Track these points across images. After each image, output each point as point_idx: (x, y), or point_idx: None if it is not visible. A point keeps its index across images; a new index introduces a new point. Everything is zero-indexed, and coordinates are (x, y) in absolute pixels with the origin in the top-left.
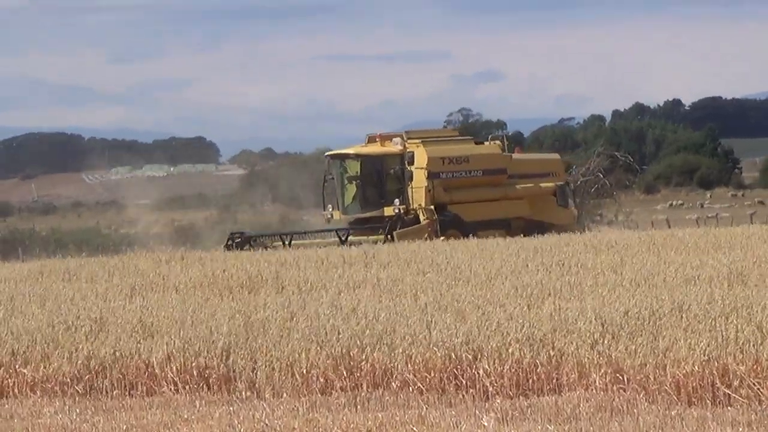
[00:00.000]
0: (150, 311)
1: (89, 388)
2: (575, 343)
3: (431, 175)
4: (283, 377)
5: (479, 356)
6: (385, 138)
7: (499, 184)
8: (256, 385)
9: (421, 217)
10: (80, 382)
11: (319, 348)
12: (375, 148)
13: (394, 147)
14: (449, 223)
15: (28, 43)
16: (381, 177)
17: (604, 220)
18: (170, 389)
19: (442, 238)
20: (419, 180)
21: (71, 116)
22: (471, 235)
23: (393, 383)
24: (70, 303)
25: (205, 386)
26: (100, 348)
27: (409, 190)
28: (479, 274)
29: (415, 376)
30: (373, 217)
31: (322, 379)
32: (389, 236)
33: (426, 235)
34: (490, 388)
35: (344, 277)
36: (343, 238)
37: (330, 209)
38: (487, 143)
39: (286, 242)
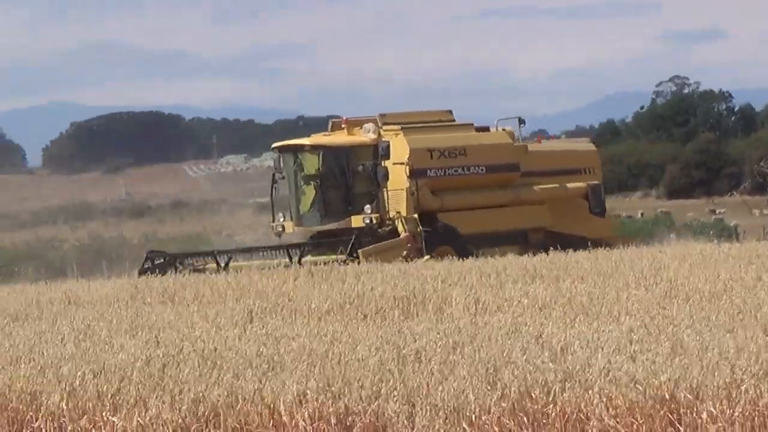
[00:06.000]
0: (274, 342)
1: None
2: None
3: (415, 173)
4: (448, 426)
5: (701, 396)
6: (354, 124)
7: (510, 184)
8: None
9: (401, 229)
10: None
11: (489, 387)
12: (339, 138)
13: (364, 136)
14: (439, 237)
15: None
16: (347, 176)
17: None
18: None
19: (426, 257)
20: (398, 180)
21: (168, 91)
22: (471, 254)
23: None
24: (172, 332)
25: None
26: (212, 389)
27: (385, 194)
28: (700, 290)
29: (617, 421)
30: (339, 230)
31: (495, 428)
32: (353, 255)
33: (405, 253)
34: None
35: (527, 295)
36: (295, 258)
37: (281, 219)
38: (493, 130)
39: (222, 264)
